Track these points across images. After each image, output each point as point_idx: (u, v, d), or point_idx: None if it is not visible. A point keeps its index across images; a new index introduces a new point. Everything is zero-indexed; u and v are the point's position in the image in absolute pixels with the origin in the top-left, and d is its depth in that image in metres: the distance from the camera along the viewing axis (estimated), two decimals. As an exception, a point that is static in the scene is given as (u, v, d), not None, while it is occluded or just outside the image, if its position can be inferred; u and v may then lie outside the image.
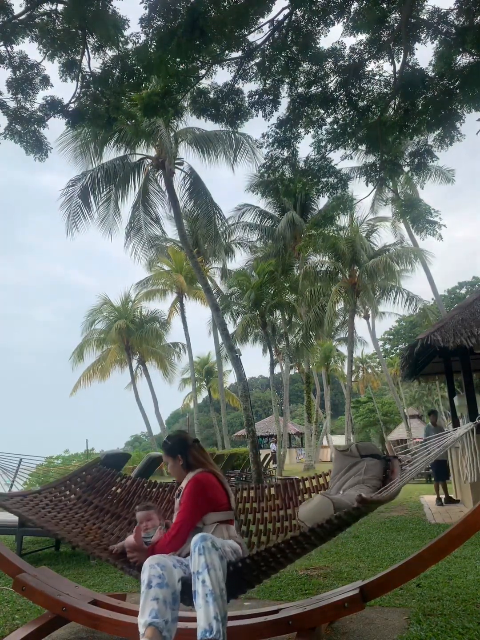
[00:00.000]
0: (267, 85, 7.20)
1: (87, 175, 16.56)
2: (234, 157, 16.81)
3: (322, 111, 7.55)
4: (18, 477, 3.64)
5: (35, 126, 6.73)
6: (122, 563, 2.64)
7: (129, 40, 6.31)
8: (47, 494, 3.27)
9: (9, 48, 6.38)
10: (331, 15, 6.74)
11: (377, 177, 8.17)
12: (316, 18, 6.75)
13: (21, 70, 6.57)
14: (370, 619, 3.21)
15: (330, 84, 7.38)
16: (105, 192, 17.08)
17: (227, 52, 6.78)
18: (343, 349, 33.11)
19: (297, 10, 6.67)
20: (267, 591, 4.00)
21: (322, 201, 21.40)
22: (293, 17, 6.74)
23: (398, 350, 40.57)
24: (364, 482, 2.81)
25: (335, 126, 7.57)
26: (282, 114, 7.62)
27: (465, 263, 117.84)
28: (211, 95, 7.17)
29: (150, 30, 6.07)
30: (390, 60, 7.24)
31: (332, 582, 4.14)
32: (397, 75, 7.13)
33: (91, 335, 28.43)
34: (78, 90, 6.68)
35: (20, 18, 6.13)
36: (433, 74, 7.14)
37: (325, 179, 8.09)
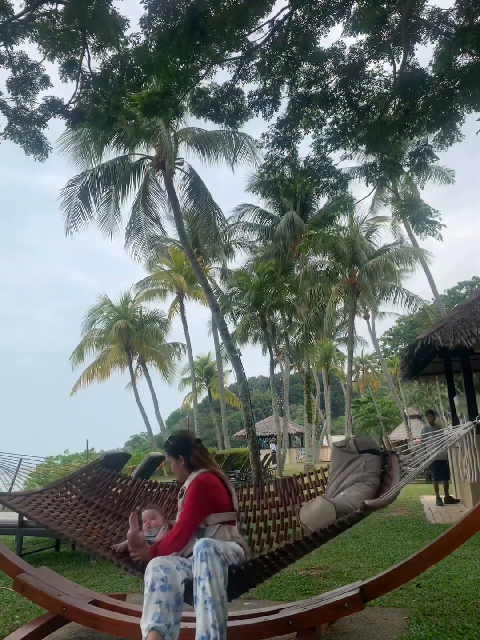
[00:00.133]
0: (267, 85, 7.21)
1: (87, 175, 16.56)
2: (234, 157, 16.81)
3: (322, 111, 7.55)
4: (18, 477, 3.63)
5: (35, 126, 6.73)
6: (125, 563, 2.65)
7: (129, 41, 6.31)
8: (49, 493, 3.28)
9: (9, 48, 6.38)
10: (331, 16, 6.74)
11: (377, 177, 8.17)
12: (316, 18, 6.75)
13: (21, 71, 6.57)
14: (370, 619, 3.21)
15: (330, 84, 7.38)
16: (105, 192, 17.07)
17: (227, 52, 6.78)
18: (343, 349, 33.14)
19: (297, 10, 6.67)
20: (267, 591, 4.00)
21: (322, 201, 21.36)
22: (293, 17, 6.74)
23: (398, 350, 40.58)
24: (363, 479, 2.81)
25: (335, 126, 7.57)
26: (282, 114, 7.63)
27: (465, 263, 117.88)
28: (211, 95, 7.18)
29: (150, 30, 6.07)
30: (390, 61, 7.24)
31: (332, 582, 4.14)
32: (397, 75, 7.13)
33: (91, 335, 28.42)
34: (78, 91, 6.68)
35: (20, 18, 6.13)
36: (433, 74, 7.14)
37: (325, 179, 8.09)
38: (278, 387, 30.07)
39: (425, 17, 6.88)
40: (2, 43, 6.25)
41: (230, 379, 39.58)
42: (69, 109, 6.71)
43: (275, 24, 6.69)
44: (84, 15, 5.87)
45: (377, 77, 7.38)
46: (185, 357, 30.61)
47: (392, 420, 41.17)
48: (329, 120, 7.62)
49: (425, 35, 6.90)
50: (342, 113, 7.55)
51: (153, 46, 6.13)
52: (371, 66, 7.39)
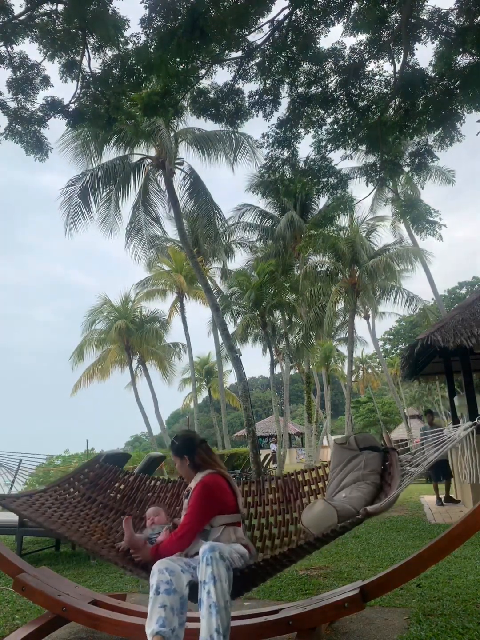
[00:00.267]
0: (267, 85, 7.20)
1: (87, 175, 16.56)
2: (234, 157, 16.82)
3: (322, 111, 7.55)
4: (18, 477, 3.63)
5: (36, 126, 6.73)
6: (130, 565, 2.66)
7: (129, 41, 6.31)
8: (52, 492, 3.28)
9: (9, 48, 6.38)
10: (331, 16, 6.74)
11: (377, 177, 8.17)
12: (316, 18, 6.75)
13: (21, 71, 6.57)
14: (370, 619, 3.21)
15: (330, 84, 7.38)
16: (105, 192, 17.08)
17: (227, 52, 6.78)
18: (343, 349, 33.10)
19: (297, 10, 6.67)
20: (267, 591, 4.00)
21: (322, 201, 21.36)
22: (293, 17, 6.74)
23: (398, 350, 40.58)
24: (364, 477, 2.81)
25: (335, 126, 7.57)
26: (282, 114, 7.62)
27: (465, 263, 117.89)
28: (211, 95, 7.18)
29: (150, 30, 6.07)
30: (390, 60, 7.24)
31: (332, 582, 4.14)
32: (397, 75, 7.12)
33: (91, 335, 28.40)
34: (78, 91, 6.68)
35: (21, 18, 6.13)
36: (433, 74, 7.14)
37: (325, 179, 8.09)
38: (278, 387, 30.06)
39: (425, 17, 6.88)
40: (2, 43, 6.25)
41: (230, 379, 39.60)
42: (69, 109, 6.71)
43: (275, 24, 6.69)
44: (84, 15, 5.87)
45: (377, 77, 7.38)
46: (185, 357, 30.62)
47: (392, 420, 41.15)
48: (329, 120, 7.62)
49: (425, 35, 6.89)
50: (342, 113, 7.55)
51: (153, 46, 6.13)
52: (371, 66, 7.40)
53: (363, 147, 8.10)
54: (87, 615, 2.75)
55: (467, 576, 4.19)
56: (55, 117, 6.75)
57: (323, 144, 7.74)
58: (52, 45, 6.31)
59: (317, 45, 7.04)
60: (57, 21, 6.28)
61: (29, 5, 6.02)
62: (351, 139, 7.66)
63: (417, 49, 7.12)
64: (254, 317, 22.96)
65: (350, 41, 36.49)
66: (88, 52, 6.45)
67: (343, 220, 17.54)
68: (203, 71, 6.92)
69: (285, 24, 6.74)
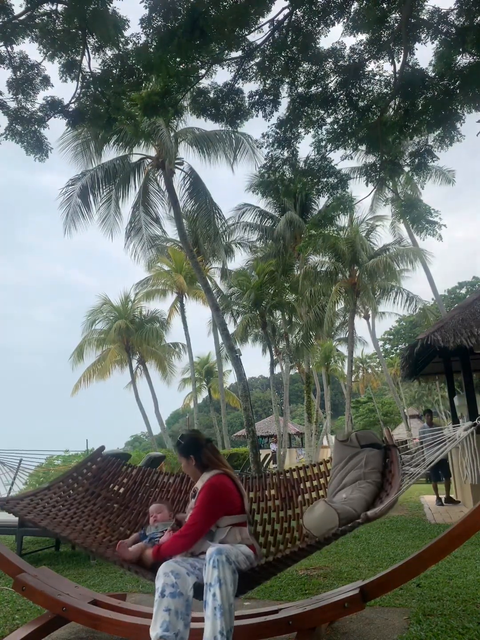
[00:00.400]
0: (267, 85, 7.20)
1: (86, 174, 16.57)
2: (234, 157, 16.82)
3: (322, 111, 7.54)
4: (18, 477, 3.63)
5: (36, 126, 6.72)
6: (135, 566, 2.67)
7: (129, 41, 6.31)
8: (56, 489, 3.29)
9: (9, 48, 6.38)
10: (331, 15, 6.74)
11: (377, 177, 8.17)
12: (316, 18, 6.75)
13: (21, 71, 6.57)
14: (370, 619, 3.21)
15: (330, 84, 7.37)
16: (105, 192, 17.08)
17: (227, 52, 6.77)
18: (343, 349, 33.08)
19: (297, 10, 6.67)
20: (267, 591, 4.00)
21: (322, 201, 21.38)
22: (293, 17, 6.74)
23: (398, 350, 40.58)
24: (365, 476, 2.81)
25: (335, 126, 7.57)
26: (282, 114, 7.62)
27: (465, 263, 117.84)
28: (211, 95, 7.17)
29: (151, 30, 6.07)
30: (390, 60, 7.24)
31: (332, 582, 4.15)
32: (397, 75, 7.12)
33: (91, 335, 28.39)
34: (78, 91, 6.68)
35: (21, 18, 6.12)
36: (433, 74, 7.14)
37: (325, 179, 8.08)
38: (278, 387, 30.05)
39: (425, 17, 6.88)
40: (2, 43, 6.24)
41: (230, 379, 39.54)
42: (69, 109, 6.71)
43: (275, 23, 6.69)
44: (84, 15, 5.86)
45: (377, 77, 7.37)
46: (185, 357, 30.61)
47: (392, 420, 41.15)
48: (329, 120, 7.61)
49: (425, 35, 6.89)
50: (342, 113, 7.54)
51: (153, 46, 6.12)
52: (371, 66, 7.40)
53: (363, 147, 8.10)
54: (87, 615, 2.75)
55: (467, 576, 4.19)
56: (55, 117, 6.75)
57: (323, 144, 7.73)
58: (52, 45, 6.31)
59: (317, 45, 7.04)
60: (57, 21, 6.28)
61: (29, 5, 6.02)
62: (351, 139, 7.65)
63: (417, 49, 7.13)
64: (254, 317, 22.96)
65: (350, 41, 36.53)
66: (88, 52, 6.45)
67: (343, 220, 17.57)
68: (203, 71, 6.92)
69: (285, 24, 6.74)
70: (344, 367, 32.43)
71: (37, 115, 6.72)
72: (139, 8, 5.87)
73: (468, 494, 8.40)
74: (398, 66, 7.09)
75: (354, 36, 7.08)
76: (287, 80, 7.32)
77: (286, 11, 6.64)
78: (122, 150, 16.70)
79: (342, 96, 7.38)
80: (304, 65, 7.27)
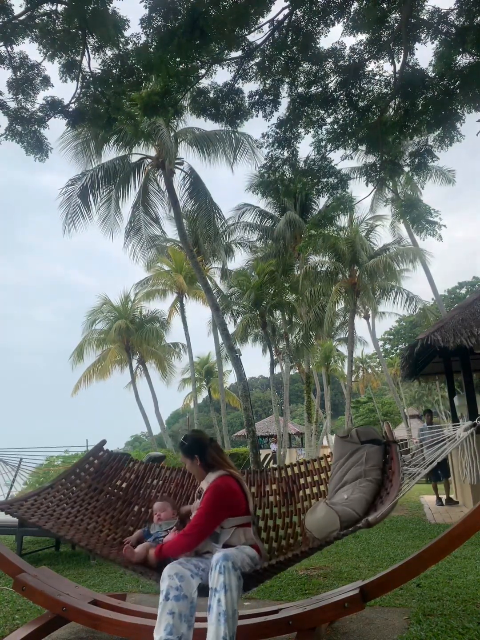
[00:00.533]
0: (267, 85, 7.20)
1: (86, 174, 16.56)
2: (234, 157, 16.81)
3: (322, 111, 7.54)
4: (19, 476, 3.63)
5: (36, 126, 6.72)
6: (140, 568, 2.68)
7: (129, 41, 6.31)
8: (59, 487, 3.29)
9: (9, 48, 6.38)
10: (331, 15, 6.73)
11: (377, 177, 8.16)
12: (316, 18, 6.75)
13: (21, 71, 6.56)
14: (370, 619, 3.21)
15: (330, 84, 7.37)
16: (105, 192, 17.07)
17: (227, 51, 6.77)
18: (343, 349, 33.08)
19: (297, 10, 6.66)
20: (267, 591, 4.00)
21: (322, 201, 21.37)
22: (293, 17, 6.74)
23: (398, 350, 40.57)
24: (366, 473, 2.81)
25: (335, 126, 7.56)
26: (282, 114, 7.62)
27: (465, 263, 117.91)
28: (211, 95, 7.17)
29: (151, 30, 6.06)
30: (390, 60, 7.23)
31: (332, 582, 4.14)
32: (397, 75, 7.12)
33: (91, 335, 28.39)
34: (78, 91, 6.67)
35: (20, 18, 6.12)
36: (433, 74, 7.14)
37: (325, 179, 8.08)
38: (278, 387, 30.04)
39: (425, 17, 6.88)
40: (2, 43, 6.24)
41: (230, 379, 39.55)
42: (69, 109, 6.70)
43: (275, 23, 6.68)
44: (84, 15, 5.86)
45: (377, 77, 7.37)
46: (185, 357, 30.61)
47: (392, 420, 41.13)
48: (329, 120, 7.61)
49: (425, 35, 6.88)
50: (342, 113, 7.54)
51: (153, 46, 6.12)
52: (371, 66, 7.39)
53: (363, 147, 8.09)
54: (87, 615, 2.75)
55: (467, 576, 4.19)
56: (55, 117, 6.75)
57: (323, 144, 7.73)
58: (52, 45, 6.31)
59: (317, 45, 7.04)
60: (57, 21, 6.27)
61: (29, 5, 6.01)
62: (351, 139, 7.65)
63: (417, 49, 7.12)
64: (254, 317, 22.96)
65: (350, 41, 36.50)
66: (88, 52, 6.45)
67: (343, 220, 17.56)
68: (203, 71, 6.92)
69: (285, 24, 6.74)
70: (344, 367, 32.45)
71: (37, 115, 6.72)
72: (139, 8, 5.87)
73: (468, 494, 8.40)
74: (398, 66, 7.09)
75: (354, 36, 7.09)
76: (287, 80, 7.32)
77: (286, 11, 6.64)
78: (122, 150, 16.70)
79: (342, 96, 7.38)
80: (304, 65, 7.27)
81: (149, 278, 28.45)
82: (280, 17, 6.67)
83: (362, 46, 7.22)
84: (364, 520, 2.20)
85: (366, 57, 7.29)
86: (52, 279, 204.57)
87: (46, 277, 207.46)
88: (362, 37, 7.15)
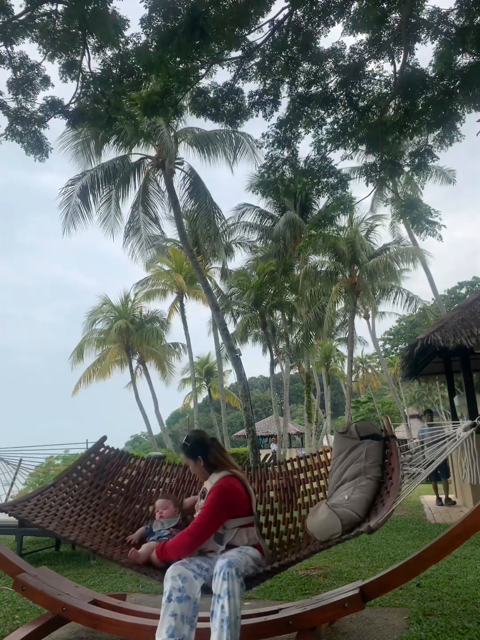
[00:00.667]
0: (267, 85, 7.20)
1: (86, 174, 16.56)
2: (233, 157, 16.82)
3: (322, 111, 7.54)
4: (19, 476, 3.63)
5: (36, 126, 6.72)
6: (144, 568, 2.69)
7: (129, 40, 6.31)
8: (62, 485, 3.29)
9: (9, 48, 6.37)
10: (331, 15, 6.73)
11: (377, 177, 8.16)
12: (316, 18, 6.75)
13: (22, 71, 6.56)
14: (370, 619, 3.21)
15: (330, 84, 7.37)
16: (105, 192, 17.08)
17: (227, 51, 6.77)
18: (343, 349, 33.11)
19: (297, 10, 6.66)
20: (267, 591, 4.00)
21: (322, 201, 21.38)
22: (293, 17, 6.73)
23: (398, 350, 40.57)
24: (365, 470, 2.80)
25: (335, 126, 7.56)
26: (282, 114, 7.62)
27: (465, 263, 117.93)
28: (211, 95, 7.17)
29: (151, 30, 6.06)
30: (390, 60, 7.23)
31: (332, 582, 4.14)
32: (397, 75, 7.12)
33: (91, 335, 28.39)
34: (78, 91, 6.67)
35: (20, 18, 6.12)
36: (433, 74, 7.14)
37: (325, 179, 8.08)
38: (278, 387, 30.05)
39: (425, 17, 6.88)
40: (2, 43, 6.24)
41: (230, 379, 39.55)
42: (69, 109, 6.70)
43: (275, 23, 6.68)
44: (84, 15, 5.86)
45: (377, 77, 7.37)
46: (185, 357, 30.61)
47: (392, 420, 41.15)
48: (329, 120, 7.60)
49: (425, 35, 6.88)
50: (342, 113, 7.54)
51: (153, 46, 6.12)
52: (371, 66, 7.39)
53: (363, 147, 8.09)
54: (87, 615, 2.75)
55: (467, 576, 4.19)
56: (55, 117, 6.75)
57: (323, 144, 7.73)
58: (52, 45, 6.31)
59: (317, 45, 7.04)
60: (57, 21, 6.27)
61: (29, 5, 6.01)
62: (351, 139, 7.65)
63: (417, 49, 7.12)
64: (254, 317, 22.97)
65: (350, 41, 36.49)
66: (88, 52, 6.44)
67: (343, 220, 17.55)
68: (203, 71, 6.92)
69: (285, 24, 6.74)
70: (344, 367, 32.46)
71: (37, 115, 6.72)
72: (139, 8, 5.87)
73: (468, 494, 8.40)
74: (398, 66, 7.09)
75: (354, 36, 7.09)
76: (287, 80, 7.31)
77: (286, 11, 6.64)
78: (122, 150, 16.71)
79: (342, 96, 7.38)
80: (304, 65, 7.27)
81: (149, 278, 28.46)
82: (280, 17, 6.68)
83: (362, 46, 7.22)
84: (366, 526, 2.22)
85: (366, 57, 7.29)
86: (52, 279, 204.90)
87: (46, 277, 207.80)
88: (362, 37, 7.16)
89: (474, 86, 6.66)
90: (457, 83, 6.88)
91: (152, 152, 16.73)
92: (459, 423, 2.82)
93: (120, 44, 6.34)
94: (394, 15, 6.90)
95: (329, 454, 3.32)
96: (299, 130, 7.75)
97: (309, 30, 6.85)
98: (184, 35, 5.77)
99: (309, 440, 24.37)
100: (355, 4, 6.79)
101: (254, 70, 7.07)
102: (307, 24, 6.82)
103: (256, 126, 8.11)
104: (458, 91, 6.89)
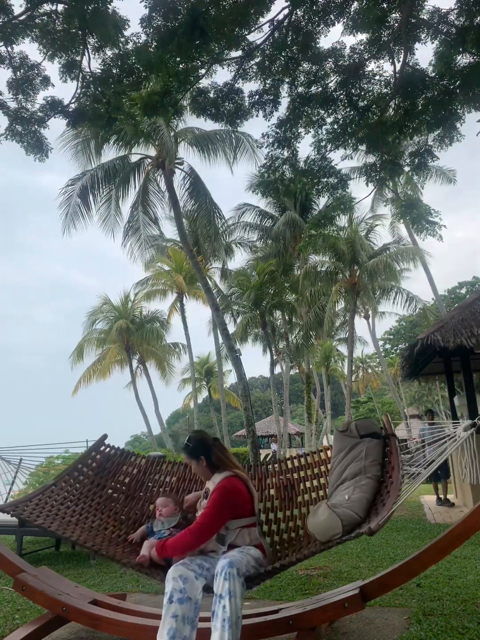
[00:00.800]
0: (267, 85, 7.20)
1: (86, 174, 16.56)
2: (233, 157, 16.82)
3: (322, 111, 7.54)
4: (19, 476, 3.63)
5: (36, 126, 6.72)
6: (146, 568, 2.69)
7: (129, 40, 6.31)
8: (63, 484, 3.29)
9: (9, 48, 6.38)
10: (331, 15, 6.73)
11: (377, 177, 8.16)
12: (316, 18, 6.75)
13: (22, 71, 6.57)
14: (370, 619, 3.21)
15: (330, 84, 7.37)
16: (105, 192, 17.08)
17: (227, 51, 6.77)
18: (343, 349, 33.11)
19: (297, 10, 6.66)
20: (267, 591, 4.00)
21: (322, 201, 21.38)
22: (293, 16, 6.74)
23: (398, 350, 40.57)
24: (365, 469, 2.80)
25: (335, 126, 7.56)
26: (282, 114, 7.62)
27: (465, 263, 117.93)
28: (211, 95, 7.17)
29: (151, 30, 6.07)
30: (390, 60, 7.23)
31: (332, 582, 4.14)
32: (397, 75, 7.12)
33: (91, 334, 28.39)
34: (78, 91, 6.67)
35: (20, 18, 6.12)
36: (433, 74, 7.14)
37: (325, 179, 8.08)
38: (278, 387, 30.05)
39: (425, 17, 6.88)
40: (2, 43, 6.24)
41: (230, 378, 39.54)
42: (69, 109, 6.70)
43: (275, 23, 6.68)
44: (84, 15, 5.86)
45: (377, 77, 7.37)
46: (185, 357, 30.61)
47: (392, 420, 41.14)
48: (329, 120, 7.61)
49: (425, 35, 6.89)
50: (342, 113, 7.54)
51: (153, 46, 6.12)
52: (371, 66, 7.39)
53: (363, 147, 8.09)
54: (87, 615, 2.75)
55: (467, 576, 4.19)
56: (55, 117, 6.75)
57: (323, 144, 7.73)
58: (52, 45, 6.31)
59: (317, 45, 7.04)
60: (57, 21, 6.27)
61: (29, 5, 6.01)
62: (351, 139, 7.65)
63: (417, 49, 7.12)
64: (254, 317, 22.97)
65: (350, 41, 36.48)
66: (88, 52, 6.44)
67: (343, 220, 17.55)
68: (203, 71, 6.92)
69: (285, 24, 6.74)
70: (344, 367, 32.46)
71: (37, 115, 6.72)
72: (139, 8, 5.87)
73: (468, 494, 8.40)
74: (398, 66, 7.09)
75: (354, 36, 7.09)
76: (287, 80, 7.32)
77: (286, 11, 6.64)
78: (122, 150, 16.71)
79: (342, 96, 7.38)
80: (304, 65, 7.27)
81: (149, 278, 28.45)
82: (280, 17, 6.68)
83: (362, 46, 7.23)
84: (366, 528, 2.21)
85: (366, 57, 7.29)
86: (52, 279, 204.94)
87: (46, 277, 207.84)
88: (362, 37, 7.16)
89: (474, 86, 6.66)
90: (457, 83, 6.89)
91: (152, 152, 16.73)
92: (459, 423, 2.82)
93: (120, 44, 6.34)
94: (394, 15, 6.90)
95: (329, 452, 3.31)
96: (299, 130, 7.75)
97: (309, 30, 6.85)
98: (184, 35, 5.77)
99: (309, 440, 24.36)
100: (355, 4, 6.79)
101: (254, 70, 7.07)
102: (307, 24, 6.82)
103: (256, 126, 8.14)
104: (458, 91, 6.89)
